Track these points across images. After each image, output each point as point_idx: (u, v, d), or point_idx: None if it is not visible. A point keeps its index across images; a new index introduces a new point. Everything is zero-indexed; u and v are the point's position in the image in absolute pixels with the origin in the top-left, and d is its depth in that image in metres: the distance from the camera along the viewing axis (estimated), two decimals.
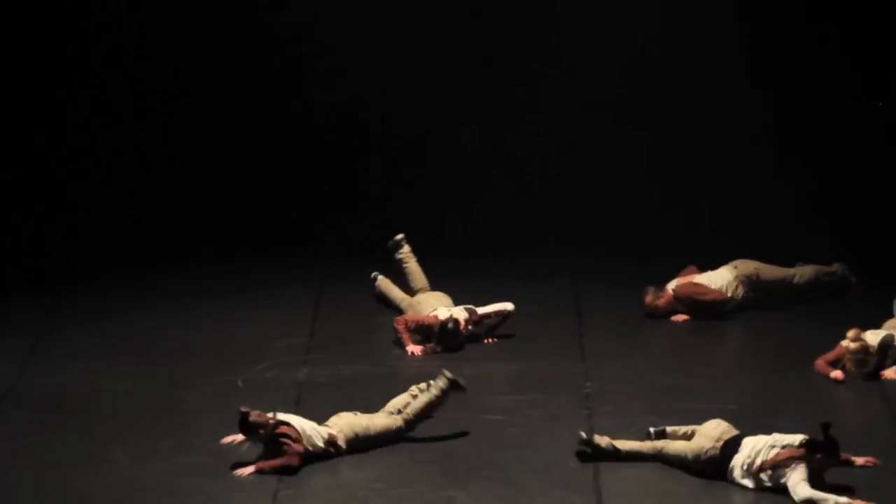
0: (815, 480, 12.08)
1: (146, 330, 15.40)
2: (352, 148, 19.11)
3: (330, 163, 18.94)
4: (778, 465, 12.27)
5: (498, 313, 15.02)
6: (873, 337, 14.29)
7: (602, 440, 12.59)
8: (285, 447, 12.43)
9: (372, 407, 13.31)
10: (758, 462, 12.37)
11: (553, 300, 16.15)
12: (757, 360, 14.62)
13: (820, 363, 14.24)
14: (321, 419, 13.03)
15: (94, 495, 12.09)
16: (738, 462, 12.46)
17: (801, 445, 12.26)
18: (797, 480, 12.06)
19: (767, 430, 12.81)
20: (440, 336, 14.86)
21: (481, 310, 15.00)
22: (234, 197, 18.50)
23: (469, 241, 17.56)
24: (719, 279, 15.86)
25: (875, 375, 14.09)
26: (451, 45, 19.30)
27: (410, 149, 19.18)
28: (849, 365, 14.14)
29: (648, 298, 15.66)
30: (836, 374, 14.12)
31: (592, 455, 12.56)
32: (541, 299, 16.03)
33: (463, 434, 13.04)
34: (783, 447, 12.49)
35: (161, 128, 19.07)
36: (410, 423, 12.93)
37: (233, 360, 14.58)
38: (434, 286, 15.76)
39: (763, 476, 12.53)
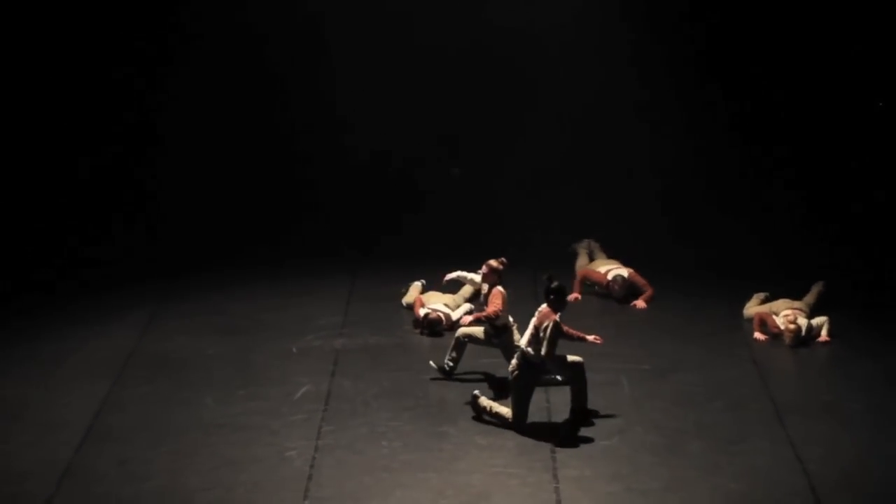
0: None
1: (227, 310, 15.62)
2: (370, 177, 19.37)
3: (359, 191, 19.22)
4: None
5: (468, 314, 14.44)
6: (802, 317, 14.55)
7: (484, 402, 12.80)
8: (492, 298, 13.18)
9: (393, 366, 14.00)
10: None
11: (516, 287, 15.48)
12: (664, 332, 15.01)
13: (766, 321, 14.58)
14: (354, 378, 13.71)
15: (190, 429, 12.68)
16: None
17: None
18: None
19: (672, 382, 13.57)
20: (425, 324, 14.91)
21: (454, 315, 14.97)
22: (290, 213, 18.70)
23: (457, 243, 17.56)
24: (614, 265, 16.00)
25: (805, 344, 14.41)
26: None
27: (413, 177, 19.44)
28: (786, 339, 14.43)
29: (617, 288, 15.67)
30: (760, 336, 14.65)
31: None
32: (507, 286, 15.65)
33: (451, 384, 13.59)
34: None
35: (235, 162, 19.24)
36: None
37: (288, 332, 14.92)
38: (435, 278, 15.35)
39: None
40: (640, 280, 15.86)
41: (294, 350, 14.58)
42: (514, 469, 11.99)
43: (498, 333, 13.49)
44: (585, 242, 16.56)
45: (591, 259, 16.43)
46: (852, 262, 16.97)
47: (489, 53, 19.60)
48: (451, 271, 14.37)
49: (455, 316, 14.96)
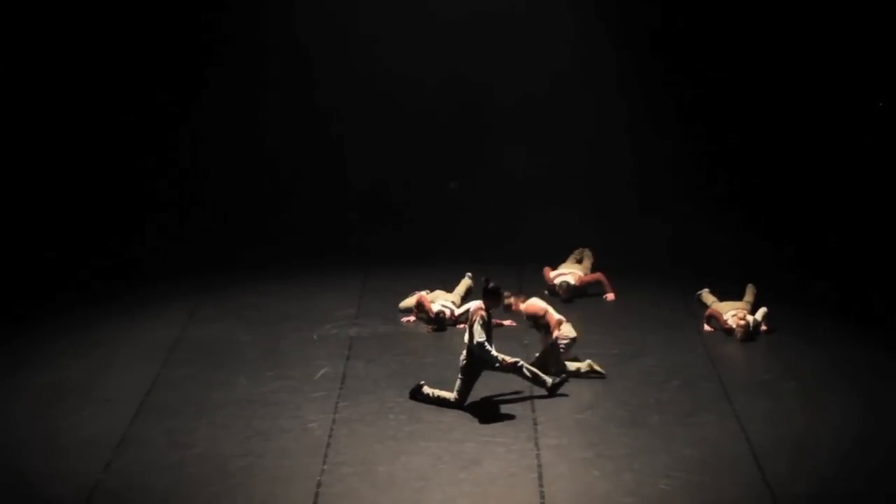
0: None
1: (258, 303, 15.55)
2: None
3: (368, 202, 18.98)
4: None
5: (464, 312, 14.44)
6: (748, 313, 14.36)
7: (431, 390, 12.72)
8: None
9: (400, 351, 13.94)
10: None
11: (504, 281, 14.85)
12: (629, 322, 14.88)
13: (718, 319, 14.41)
14: (366, 362, 13.62)
15: (226, 404, 12.73)
16: None
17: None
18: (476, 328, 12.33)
19: (636, 365, 13.48)
20: (434, 320, 14.64)
21: (458, 311, 14.66)
22: (306, 217, 18.53)
23: (454, 247, 17.50)
24: (583, 269, 15.77)
25: (752, 338, 14.20)
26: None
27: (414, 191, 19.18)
28: (737, 335, 14.20)
29: (561, 292, 15.39)
30: (708, 328, 14.54)
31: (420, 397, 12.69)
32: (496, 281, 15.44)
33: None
34: None
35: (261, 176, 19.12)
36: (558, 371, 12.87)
37: (310, 322, 14.88)
38: (426, 276, 15.70)
39: None
40: (589, 279, 15.58)
41: (315, 337, 14.56)
42: (502, 438, 12.02)
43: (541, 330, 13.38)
44: (578, 251, 16.25)
45: (579, 263, 16.14)
46: (794, 261, 16.91)
47: (481, 73, 19.40)
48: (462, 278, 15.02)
49: (458, 312, 14.70)
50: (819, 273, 16.43)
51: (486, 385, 12.95)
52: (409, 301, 15.13)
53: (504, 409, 12.67)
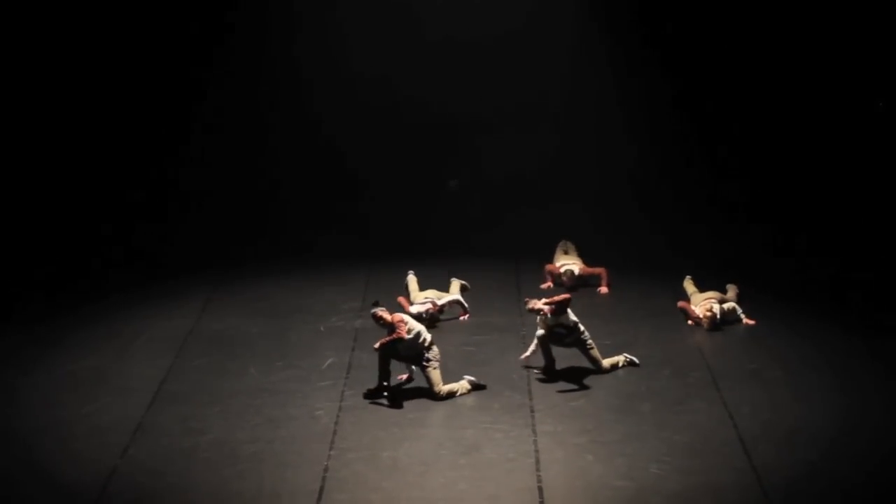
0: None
1: (268, 296, 15.43)
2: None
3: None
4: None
5: (452, 302, 14.58)
6: (717, 305, 14.22)
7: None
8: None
9: None
10: None
11: (502, 275, 16.06)
12: (622, 314, 14.77)
13: (687, 311, 14.30)
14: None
15: (238, 393, 12.72)
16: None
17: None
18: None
19: (629, 354, 13.31)
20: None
21: (440, 301, 14.48)
22: (313, 217, 18.31)
23: (453, 242, 17.43)
24: (570, 261, 15.67)
25: (719, 328, 14.10)
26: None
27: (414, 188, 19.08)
28: (704, 323, 14.10)
29: (566, 280, 15.41)
30: (691, 322, 14.35)
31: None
32: (494, 275, 15.97)
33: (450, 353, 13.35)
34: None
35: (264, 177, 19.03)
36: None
37: (316, 314, 14.81)
38: (428, 270, 15.48)
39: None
40: (592, 271, 15.60)
41: (322, 329, 14.53)
42: (500, 425, 12.03)
43: (569, 333, 13.16)
44: (563, 242, 16.22)
45: (567, 254, 16.11)
46: (780, 254, 16.84)
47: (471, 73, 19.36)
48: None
49: (440, 303, 14.51)
50: (804, 265, 16.37)
51: (487, 375, 13.02)
52: (413, 294, 14.92)
53: (502, 397, 12.69)
